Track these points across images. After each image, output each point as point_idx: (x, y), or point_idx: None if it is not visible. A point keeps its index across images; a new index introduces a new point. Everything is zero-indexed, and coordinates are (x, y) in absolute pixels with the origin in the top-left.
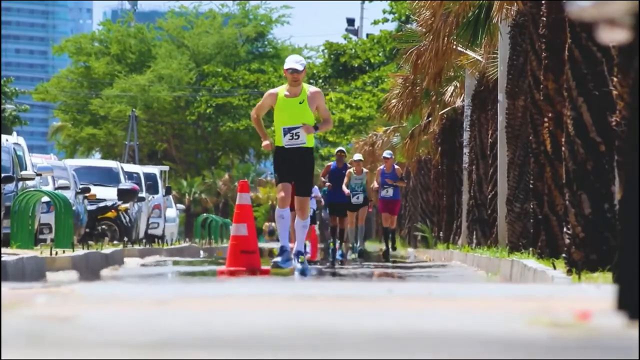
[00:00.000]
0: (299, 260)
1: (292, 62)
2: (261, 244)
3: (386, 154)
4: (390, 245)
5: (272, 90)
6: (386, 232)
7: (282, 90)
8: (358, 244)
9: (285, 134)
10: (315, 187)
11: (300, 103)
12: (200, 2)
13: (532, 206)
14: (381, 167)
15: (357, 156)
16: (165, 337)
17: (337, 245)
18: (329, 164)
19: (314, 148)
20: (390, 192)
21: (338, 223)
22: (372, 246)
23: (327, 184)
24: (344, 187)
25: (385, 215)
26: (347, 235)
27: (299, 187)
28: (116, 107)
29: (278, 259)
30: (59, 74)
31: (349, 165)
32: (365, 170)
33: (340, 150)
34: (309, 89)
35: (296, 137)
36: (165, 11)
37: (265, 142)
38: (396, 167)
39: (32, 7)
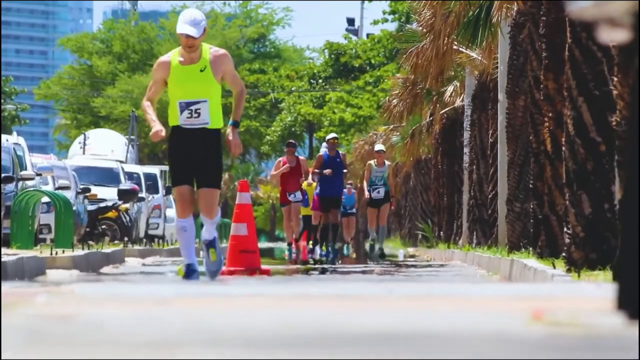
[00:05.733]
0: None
1: (186, 23)
2: (261, 244)
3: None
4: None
5: (162, 59)
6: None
7: (174, 56)
8: (377, 245)
9: (182, 111)
10: None
11: (201, 71)
12: (203, 1)
13: (532, 206)
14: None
15: (379, 146)
16: (166, 337)
17: (330, 243)
18: (320, 154)
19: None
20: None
21: (328, 218)
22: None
23: (325, 171)
24: (364, 182)
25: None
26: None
27: (203, 177)
28: (120, 107)
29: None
30: (62, 70)
31: (342, 153)
32: (387, 163)
33: (332, 137)
34: (210, 51)
35: (196, 114)
36: (166, 11)
37: (154, 129)
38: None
39: (32, 7)
